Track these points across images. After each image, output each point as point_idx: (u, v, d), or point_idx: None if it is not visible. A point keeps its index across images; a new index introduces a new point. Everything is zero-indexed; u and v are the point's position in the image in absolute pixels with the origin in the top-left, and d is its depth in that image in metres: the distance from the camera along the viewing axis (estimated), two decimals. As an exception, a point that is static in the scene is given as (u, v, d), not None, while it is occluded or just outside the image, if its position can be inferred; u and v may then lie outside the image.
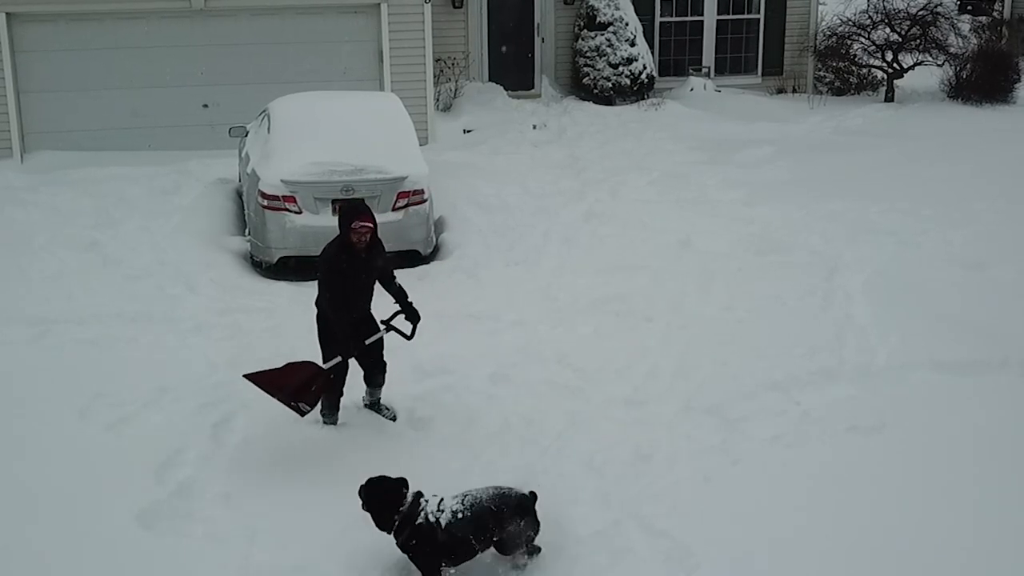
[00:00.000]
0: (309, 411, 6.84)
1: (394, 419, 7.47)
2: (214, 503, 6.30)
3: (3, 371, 8.11)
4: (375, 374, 7.38)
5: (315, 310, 7.21)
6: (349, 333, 6.99)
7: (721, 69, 19.83)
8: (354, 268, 6.95)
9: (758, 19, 19.80)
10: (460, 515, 5.63)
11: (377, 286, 7.29)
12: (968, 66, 18.60)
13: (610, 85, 18.12)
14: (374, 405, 7.53)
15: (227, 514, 6.18)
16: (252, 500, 6.31)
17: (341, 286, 6.92)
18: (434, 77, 16.12)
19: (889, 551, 5.87)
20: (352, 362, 7.28)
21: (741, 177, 13.65)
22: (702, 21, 19.61)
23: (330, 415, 7.29)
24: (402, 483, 5.71)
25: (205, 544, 5.96)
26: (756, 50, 19.93)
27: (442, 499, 5.73)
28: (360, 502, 5.68)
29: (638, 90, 18.25)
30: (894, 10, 19.03)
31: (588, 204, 12.51)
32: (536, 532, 5.82)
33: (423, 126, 14.98)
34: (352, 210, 7.05)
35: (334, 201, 10.56)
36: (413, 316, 7.28)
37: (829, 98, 19.25)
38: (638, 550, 5.94)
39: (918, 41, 18.97)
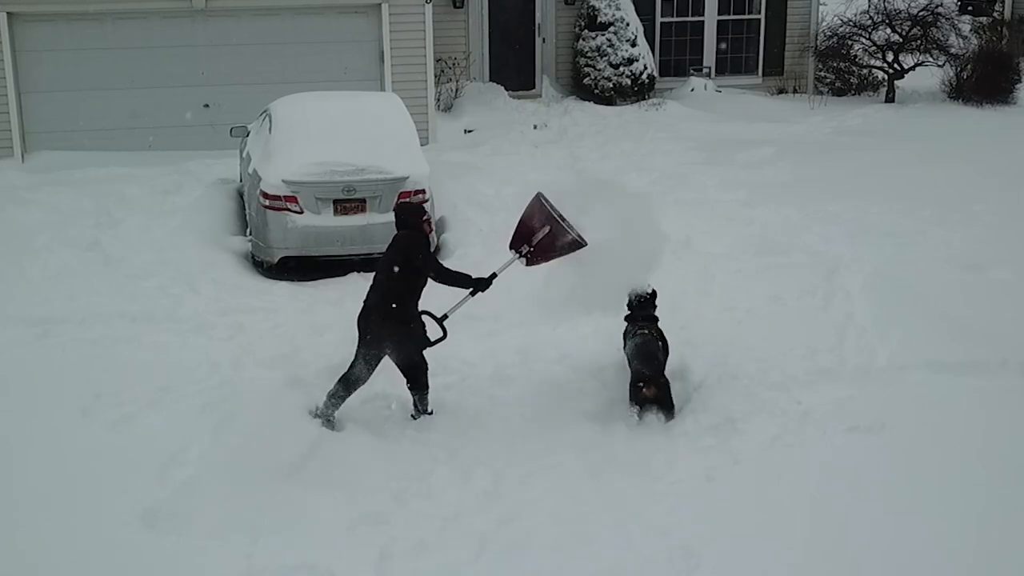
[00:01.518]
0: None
1: (430, 413, 7.54)
2: (216, 503, 6.30)
3: (4, 371, 8.12)
4: (416, 377, 7.44)
5: (383, 308, 7.25)
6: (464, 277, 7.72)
7: (722, 69, 19.84)
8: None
9: (759, 19, 19.81)
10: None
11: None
12: (969, 67, 18.60)
13: (611, 85, 18.13)
14: (424, 412, 7.53)
15: (229, 514, 6.19)
16: (254, 500, 6.32)
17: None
18: (435, 77, 16.13)
19: (890, 551, 5.89)
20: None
21: (741, 177, 13.66)
22: (703, 21, 19.62)
23: (329, 408, 7.24)
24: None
25: (208, 543, 5.97)
26: (757, 50, 19.94)
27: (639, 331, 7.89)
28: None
29: (639, 90, 18.26)
30: (895, 11, 19.03)
31: (589, 204, 12.49)
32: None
33: (424, 126, 14.98)
34: (418, 209, 7.95)
35: (335, 201, 10.59)
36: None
37: (830, 98, 19.25)
38: (639, 549, 5.96)
39: (919, 42, 18.97)
